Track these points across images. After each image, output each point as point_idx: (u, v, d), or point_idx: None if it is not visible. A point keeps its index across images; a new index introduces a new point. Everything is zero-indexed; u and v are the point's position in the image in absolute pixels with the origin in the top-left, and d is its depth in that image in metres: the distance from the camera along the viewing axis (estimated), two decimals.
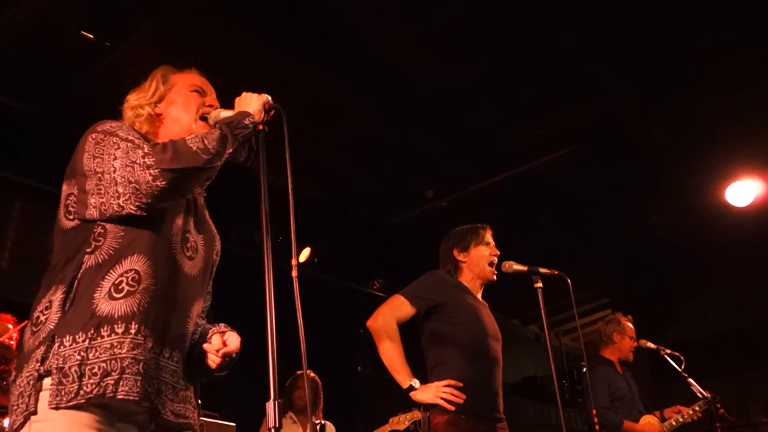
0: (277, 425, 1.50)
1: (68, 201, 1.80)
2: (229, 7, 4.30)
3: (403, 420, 4.79)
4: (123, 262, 1.70)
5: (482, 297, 3.31)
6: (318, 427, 5.06)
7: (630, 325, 4.87)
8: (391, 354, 3.05)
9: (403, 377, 3.02)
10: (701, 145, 5.84)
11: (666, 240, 7.25)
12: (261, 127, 1.91)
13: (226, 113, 1.96)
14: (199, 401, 4.14)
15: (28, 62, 4.52)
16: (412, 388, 3.00)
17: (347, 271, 7.63)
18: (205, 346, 1.94)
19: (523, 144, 5.93)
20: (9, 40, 4.29)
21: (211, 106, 2.06)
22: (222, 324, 2.04)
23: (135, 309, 1.67)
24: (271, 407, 1.51)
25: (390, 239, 7.41)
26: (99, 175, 1.72)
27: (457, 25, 4.58)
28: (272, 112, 1.95)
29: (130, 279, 1.69)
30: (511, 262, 3.20)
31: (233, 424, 5.06)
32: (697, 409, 4.72)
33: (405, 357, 3.06)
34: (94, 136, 1.80)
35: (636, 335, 4.87)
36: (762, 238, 6.89)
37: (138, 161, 1.68)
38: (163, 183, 1.67)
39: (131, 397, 1.59)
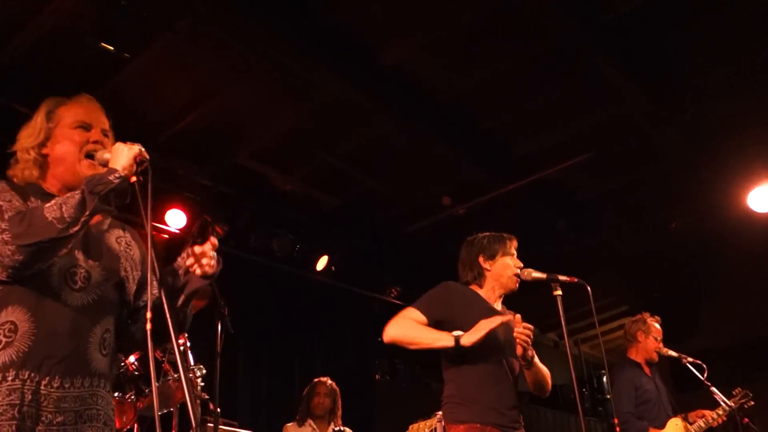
0: None
1: None
2: (242, 17, 4.33)
3: (423, 427, 4.77)
4: (0, 315, 1.83)
5: (503, 304, 3.29)
6: None
7: (656, 325, 4.80)
8: (418, 334, 2.97)
9: (443, 338, 2.91)
10: (721, 149, 5.78)
11: (686, 247, 7.18)
12: (134, 179, 1.91)
13: (107, 155, 1.97)
14: (218, 409, 4.17)
15: (50, 74, 4.59)
16: (458, 341, 2.88)
17: (364, 279, 7.63)
18: (189, 261, 2.00)
19: (540, 151, 5.91)
20: (31, 51, 4.36)
21: (96, 141, 2.07)
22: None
23: (13, 358, 1.79)
24: None
25: (407, 247, 7.41)
26: None
27: (473, 31, 4.57)
28: (145, 164, 1.93)
29: (6, 330, 1.82)
30: (530, 270, 3.17)
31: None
32: (721, 413, 4.67)
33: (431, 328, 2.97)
34: None
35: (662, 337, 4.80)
36: None
37: None
38: (21, 258, 1.78)
39: None
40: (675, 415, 4.66)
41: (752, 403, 4.79)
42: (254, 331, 6.63)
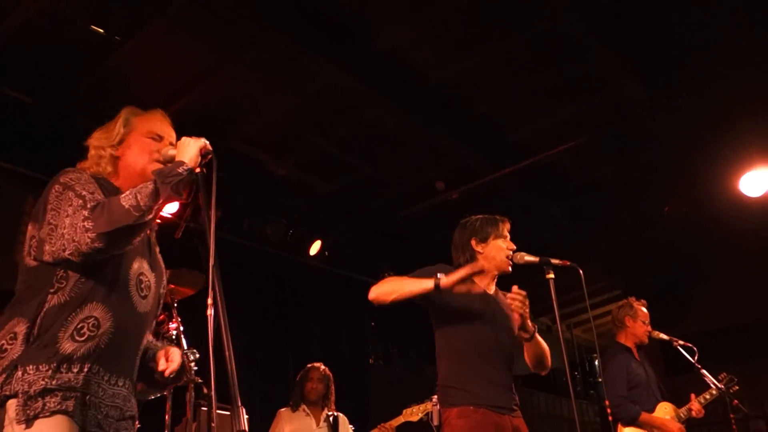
0: None
1: (31, 243, 2.05)
2: (237, 2, 4.29)
3: (417, 411, 4.82)
4: (84, 308, 1.97)
5: (497, 287, 3.30)
6: (331, 418, 5.08)
7: (643, 309, 4.82)
8: (401, 284, 2.95)
9: (423, 282, 2.91)
10: (714, 134, 5.79)
11: (679, 231, 7.20)
12: (199, 170, 2.06)
13: (172, 152, 2.15)
14: (213, 394, 4.17)
15: (39, 58, 4.54)
16: (437, 283, 2.89)
17: (358, 264, 7.63)
18: (152, 365, 2.22)
19: (534, 135, 5.90)
20: (20, 36, 4.31)
21: None
22: (165, 341, 2.33)
23: (92, 351, 1.96)
24: None
25: (400, 231, 7.41)
26: (52, 226, 1.98)
27: (467, 15, 4.55)
28: (209, 156, 2.08)
29: (90, 325, 1.97)
30: (523, 253, 3.17)
31: (245, 416, 5.09)
32: (708, 397, 4.72)
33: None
34: (56, 187, 2.04)
35: (650, 320, 4.83)
36: None
37: (79, 224, 1.93)
38: (100, 244, 1.91)
39: (79, 423, 1.90)
40: (664, 399, 4.70)
41: (737, 387, 4.84)
42: (247, 316, 6.63)
